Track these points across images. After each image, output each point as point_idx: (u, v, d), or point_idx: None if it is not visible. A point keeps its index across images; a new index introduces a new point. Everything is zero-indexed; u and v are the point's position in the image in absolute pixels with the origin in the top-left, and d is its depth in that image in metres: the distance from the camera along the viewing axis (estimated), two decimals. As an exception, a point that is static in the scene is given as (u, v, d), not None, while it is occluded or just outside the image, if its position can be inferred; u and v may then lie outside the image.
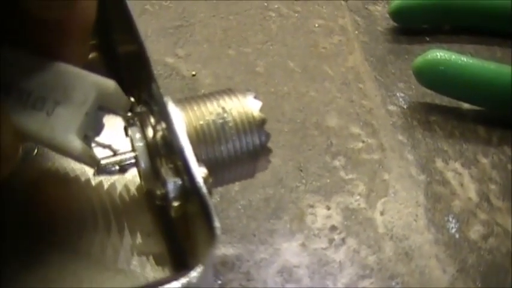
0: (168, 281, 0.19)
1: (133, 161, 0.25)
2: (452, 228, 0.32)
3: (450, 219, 0.32)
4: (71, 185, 0.28)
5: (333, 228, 0.31)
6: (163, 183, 0.22)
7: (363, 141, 0.36)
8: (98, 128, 0.25)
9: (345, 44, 0.42)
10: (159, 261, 0.26)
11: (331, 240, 0.31)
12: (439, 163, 0.35)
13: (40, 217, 0.26)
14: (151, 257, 0.26)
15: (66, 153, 0.24)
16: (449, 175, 0.35)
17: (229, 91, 0.25)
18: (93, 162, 0.24)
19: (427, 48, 0.38)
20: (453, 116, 0.38)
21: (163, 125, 0.23)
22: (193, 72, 0.38)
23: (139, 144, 0.24)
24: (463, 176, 0.35)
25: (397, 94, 0.39)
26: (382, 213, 0.32)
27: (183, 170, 0.21)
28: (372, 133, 0.36)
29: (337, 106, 0.38)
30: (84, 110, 0.23)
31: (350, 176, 0.34)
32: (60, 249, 0.25)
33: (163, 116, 0.23)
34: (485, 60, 0.37)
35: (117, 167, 0.25)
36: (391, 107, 0.38)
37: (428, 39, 0.43)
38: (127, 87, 0.25)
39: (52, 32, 0.24)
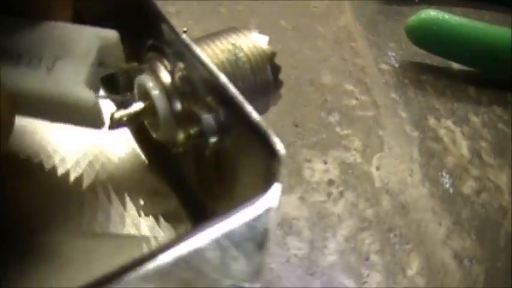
0: (237, 210, 0.18)
1: (141, 110, 0.23)
2: (446, 183, 0.33)
3: (444, 174, 0.33)
4: (53, 170, 0.26)
5: (331, 182, 0.32)
6: (199, 121, 0.21)
7: (357, 98, 0.36)
8: (98, 85, 0.23)
9: (336, 3, 0.42)
10: (171, 220, 0.25)
11: (329, 194, 0.31)
12: (432, 120, 0.36)
13: (30, 207, 0.25)
14: (161, 217, 0.25)
15: (75, 109, 0.22)
16: (442, 132, 0.35)
17: (234, 29, 0.25)
18: (102, 118, 0.23)
19: (417, 9, 0.39)
20: (444, 76, 0.38)
21: (181, 65, 0.22)
22: (185, 29, 0.38)
23: (155, 91, 0.23)
24: (455, 133, 0.35)
25: (389, 53, 0.39)
26: (378, 168, 0.33)
27: (219, 103, 0.21)
28: (365, 91, 0.37)
29: (330, 64, 0.38)
30: (89, 60, 0.22)
31: (345, 132, 0.34)
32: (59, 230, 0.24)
33: (186, 54, 0.22)
34: (476, 21, 0.38)
35: (130, 118, 0.23)
36: (383, 66, 0.38)
37: (417, 1, 0.43)
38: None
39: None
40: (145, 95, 0.23)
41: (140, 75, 0.24)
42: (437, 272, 0.29)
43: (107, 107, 0.24)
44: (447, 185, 0.33)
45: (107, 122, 0.23)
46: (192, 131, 0.22)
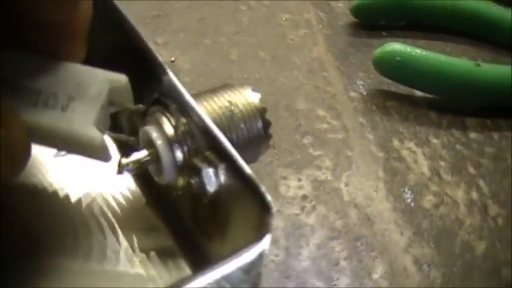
0: (235, 256, 0.21)
1: (148, 158, 0.26)
2: (408, 198, 0.37)
3: (406, 190, 0.37)
4: (53, 199, 0.29)
5: (304, 197, 0.36)
6: (198, 172, 0.24)
7: (328, 123, 0.41)
8: (107, 123, 0.25)
9: (310, 36, 0.46)
10: (166, 255, 0.28)
11: (303, 208, 0.35)
12: (396, 142, 0.40)
13: (28, 231, 0.27)
14: (155, 254, 0.28)
15: (85, 146, 0.24)
16: (405, 153, 0.40)
17: (229, 86, 0.29)
18: (108, 154, 0.25)
19: (384, 42, 0.43)
20: (408, 102, 0.43)
21: (184, 120, 0.25)
22: (172, 59, 0.42)
23: (160, 142, 0.26)
24: (416, 154, 0.40)
25: (358, 82, 0.44)
26: (346, 185, 0.37)
27: (217, 157, 0.24)
28: (336, 116, 0.41)
29: (305, 91, 0.42)
30: (99, 102, 0.24)
31: (318, 153, 0.38)
32: (51, 263, 0.27)
33: (187, 110, 0.25)
34: (437, 53, 0.43)
35: (136, 165, 0.26)
36: (352, 93, 0.43)
37: (385, 33, 0.48)
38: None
39: (52, 33, 0.24)
40: (149, 143, 0.26)
41: (145, 125, 0.27)
42: (399, 275, 0.33)
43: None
44: (409, 200, 0.37)
45: (113, 156, 0.25)
46: (192, 181, 0.25)
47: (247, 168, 0.23)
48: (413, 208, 0.37)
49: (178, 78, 0.26)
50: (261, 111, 0.29)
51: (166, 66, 0.26)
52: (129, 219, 0.29)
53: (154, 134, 0.26)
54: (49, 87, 0.24)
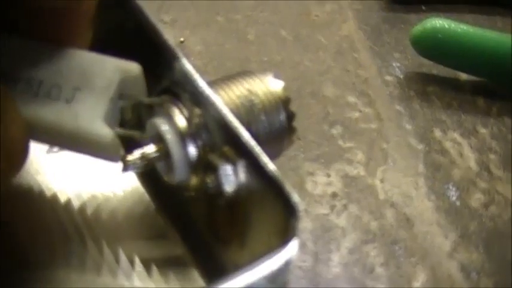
0: (258, 264, 0.22)
1: (156, 154, 0.27)
2: (452, 196, 0.39)
3: (450, 187, 0.39)
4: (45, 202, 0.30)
5: (334, 195, 0.37)
6: (214, 170, 0.25)
7: (360, 111, 0.42)
8: (117, 118, 0.26)
9: (338, 12, 0.48)
10: (178, 264, 0.29)
11: (332, 207, 0.37)
12: (438, 133, 0.42)
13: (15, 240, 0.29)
14: (161, 264, 0.29)
15: (92, 144, 0.25)
16: (448, 145, 0.41)
17: (249, 72, 0.30)
18: (119, 154, 0.26)
19: (423, 18, 0.44)
20: (451, 87, 0.44)
21: (198, 111, 0.26)
22: (181, 39, 0.44)
23: (170, 136, 0.26)
24: (462, 146, 0.41)
25: (393, 64, 0.45)
26: (382, 181, 0.38)
27: (236, 153, 0.25)
28: (368, 103, 0.43)
29: (333, 76, 0.44)
30: (109, 94, 0.25)
31: (348, 145, 0.40)
32: (43, 274, 0.28)
33: (202, 100, 0.26)
34: (485, 29, 0.44)
35: (143, 162, 0.26)
36: (387, 77, 0.44)
37: (424, 8, 0.49)
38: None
39: (54, 17, 0.25)
40: (157, 138, 0.27)
41: (153, 117, 0.28)
42: (443, 284, 0.35)
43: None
44: (453, 198, 0.38)
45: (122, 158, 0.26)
46: (208, 180, 0.26)
47: (270, 165, 0.24)
48: (458, 208, 0.38)
49: (188, 62, 0.27)
50: (284, 101, 0.30)
51: (178, 51, 0.27)
52: (133, 225, 0.31)
53: (164, 127, 0.27)
54: (52, 76, 0.25)
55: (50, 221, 0.30)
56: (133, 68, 0.25)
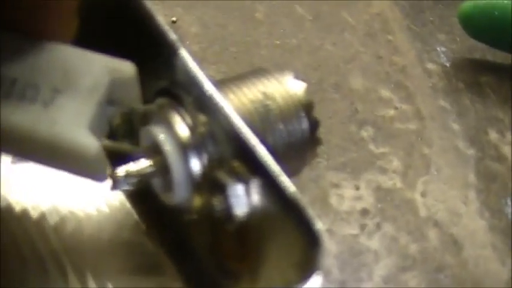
0: None
1: (152, 169, 0.27)
2: (510, 213, 0.39)
3: (508, 202, 0.39)
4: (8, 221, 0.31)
5: (365, 211, 0.38)
6: (222, 190, 0.26)
7: (396, 108, 0.43)
8: (105, 128, 0.26)
9: (368, -16, 0.49)
10: None
11: (363, 226, 0.37)
12: (493, 135, 0.42)
13: None
14: None
15: (72, 157, 0.25)
16: (506, 150, 0.42)
17: (263, 71, 0.30)
18: (104, 171, 0.26)
19: None
20: (510, 76, 0.45)
21: (203, 118, 0.27)
22: (174, 19, 0.45)
23: (168, 147, 0.27)
24: (523, 151, 0.42)
25: (437, 48, 0.46)
26: (423, 195, 0.39)
27: (249, 170, 0.26)
28: (406, 97, 0.43)
29: (362, 63, 0.44)
30: (95, 98, 0.25)
31: (381, 150, 0.41)
32: None
33: (208, 105, 0.26)
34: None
35: (137, 178, 0.27)
36: (430, 65, 0.45)
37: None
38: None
39: (35, 8, 0.25)
40: (153, 149, 0.27)
41: (149, 124, 0.28)
42: (500, 321, 0.35)
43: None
44: None
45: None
46: (215, 201, 0.26)
47: (290, 186, 0.24)
48: None
49: (192, 57, 0.27)
50: (306, 107, 0.30)
51: (179, 44, 0.27)
52: (120, 251, 0.31)
53: (163, 137, 0.27)
54: (27, 74, 0.25)
55: (19, 243, 0.31)
56: (126, 67, 0.26)
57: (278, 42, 0.45)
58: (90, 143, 0.24)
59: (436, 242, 0.37)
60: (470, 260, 0.37)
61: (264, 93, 0.29)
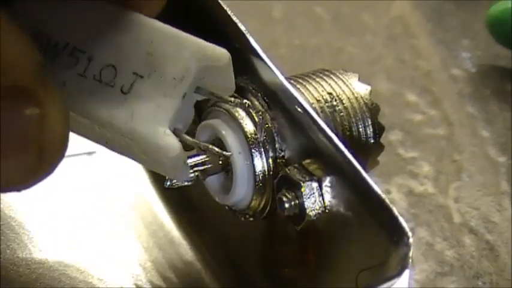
0: None
1: (209, 166, 0.28)
2: (545, 220, 0.41)
3: (542, 210, 0.42)
4: None
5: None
6: (294, 187, 0.27)
7: (423, 113, 0.45)
8: (189, 118, 0.25)
9: (387, -14, 0.51)
10: None
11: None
12: (524, 142, 0.45)
13: None
14: None
15: (150, 154, 0.25)
16: (537, 158, 0.44)
17: (328, 72, 0.32)
18: (184, 171, 0.26)
19: None
20: (536, 85, 0.47)
21: (269, 114, 0.28)
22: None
23: (233, 142, 0.28)
24: (554, 159, 0.44)
25: (462, 54, 0.48)
26: (456, 201, 0.41)
27: (322, 168, 0.27)
28: (433, 102, 0.45)
29: (385, 67, 0.47)
30: (181, 90, 0.24)
31: (411, 154, 0.43)
32: None
33: (281, 100, 0.28)
34: None
35: (194, 175, 0.28)
36: (455, 71, 0.47)
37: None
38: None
39: None
40: (215, 144, 0.28)
41: (209, 117, 0.29)
42: (540, 330, 0.37)
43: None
44: None
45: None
46: (284, 199, 0.27)
47: (374, 184, 0.25)
48: None
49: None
50: (372, 111, 0.32)
51: (245, 30, 0.29)
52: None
53: (226, 131, 0.28)
54: (106, 52, 0.24)
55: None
56: (222, 54, 0.25)
57: (297, 42, 0.47)
58: (172, 143, 0.24)
59: (472, 249, 0.39)
60: (508, 267, 0.39)
61: (331, 94, 0.30)
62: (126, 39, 0.25)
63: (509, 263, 0.39)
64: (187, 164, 0.26)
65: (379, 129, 0.32)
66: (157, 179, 0.35)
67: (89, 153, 0.35)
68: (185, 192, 0.31)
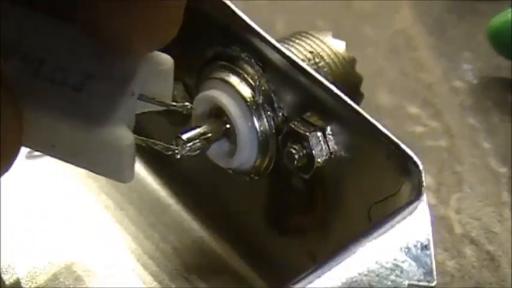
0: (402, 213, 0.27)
1: (214, 133, 0.31)
2: (545, 231, 0.42)
3: (543, 220, 0.43)
4: None
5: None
6: (302, 140, 0.29)
7: (425, 125, 0.46)
8: (131, 122, 0.26)
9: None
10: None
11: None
12: (526, 153, 0.46)
13: None
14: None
15: (102, 148, 0.25)
16: (538, 169, 0.45)
17: (305, 33, 0.34)
18: (133, 167, 0.26)
19: (500, 6, 0.48)
20: (538, 96, 0.48)
21: (265, 76, 0.30)
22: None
23: (235, 109, 0.31)
24: (555, 170, 0.45)
25: (464, 66, 0.49)
26: (457, 212, 0.42)
27: (324, 119, 0.29)
28: (434, 114, 0.46)
29: (387, 79, 0.48)
30: (129, 87, 0.26)
31: (413, 166, 0.44)
32: None
33: (273, 60, 0.30)
34: None
35: (201, 143, 0.30)
36: (457, 83, 0.48)
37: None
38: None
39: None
40: (213, 114, 0.31)
41: (206, 89, 0.31)
42: None
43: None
44: None
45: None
46: (294, 153, 0.30)
47: (375, 121, 0.29)
48: None
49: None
50: (350, 63, 0.34)
51: (233, 7, 0.31)
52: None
53: (226, 100, 0.31)
54: (57, 55, 0.26)
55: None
56: (164, 59, 0.27)
57: (300, 55, 0.48)
58: (124, 133, 0.25)
59: (473, 259, 0.40)
60: (508, 277, 0.40)
61: (312, 53, 0.33)
62: (73, 41, 0.26)
63: (510, 273, 0.40)
64: (135, 161, 0.26)
65: (358, 81, 0.35)
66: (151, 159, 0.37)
67: None
68: (181, 168, 0.34)
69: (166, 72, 0.27)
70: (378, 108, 0.46)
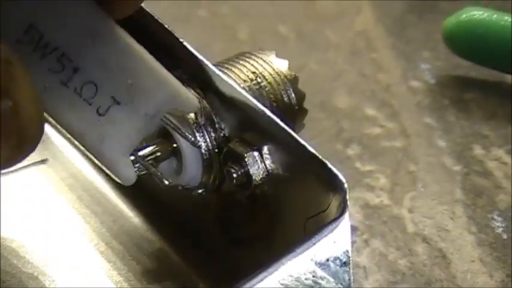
0: (310, 237, 0.29)
1: (162, 153, 0.33)
2: (498, 227, 0.44)
3: (495, 216, 0.44)
4: None
5: (353, 228, 0.42)
6: (238, 160, 0.32)
7: (381, 126, 0.48)
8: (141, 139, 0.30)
9: (351, 1, 0.54)
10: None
11: (351, 243, 0.42)
12: (478, 150, 0.47)
13: None
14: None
15: (109, 170, 0.29)
16: (492, 165, 0.47)
17: (248, 54, 0.37)
18: (133, 176, 0.30)
19: (460, 5, 0.50)
20: (494, 93, 0.50)
21: (207, 100, 0.33)
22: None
23: (179, 130, 0.32)
24: (508, 166, 0.46)
25: (422, 66, 0.51)
26: (410, 211, 0.44)
27: (259, 139, 0.32)
28: (391, 115, 0.48)
29: (346, 82, 0.49)
30: (151, 127, 0.29)
31: (368, 168, 0.46)
32: None
33: (211, 85, 0.32)
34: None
35: (149, 162, 0.32)
36: (414, 83, 0.50)
37: (459, -7, 0.54)
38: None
39: None
40: (161, 134, 0.33)
41: None
42: (489, 333, 0.41)
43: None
44: (499, 230, 0.43)
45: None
46: (233, 170, 0.32)
47: (306, 144, 0.31)
48: (505, 241, 0.43)
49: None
50: (292, 81, 0.36)
51: (174, 33, 0.33)
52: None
53: (172, 121, 0.32)
54: (93, 69, 0.27)
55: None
56: (191, 104, 0.31)
57: (261, 61, 0.50)
58: (130, 175, 0.29)
59: (424, 257, 0.42)
60: (458, 274, 0.42)
61: (254, 73, 0.36)
62: (114, 61, 0.28)
63: (460, 269, 0.42)
64: (134, 174, 0.30)
65: (301, 97, 0.37)
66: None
67: (43, 161, 0.39)
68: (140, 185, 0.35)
69: (189, 112, 0.32)
70: (336, 111, 0.48)
